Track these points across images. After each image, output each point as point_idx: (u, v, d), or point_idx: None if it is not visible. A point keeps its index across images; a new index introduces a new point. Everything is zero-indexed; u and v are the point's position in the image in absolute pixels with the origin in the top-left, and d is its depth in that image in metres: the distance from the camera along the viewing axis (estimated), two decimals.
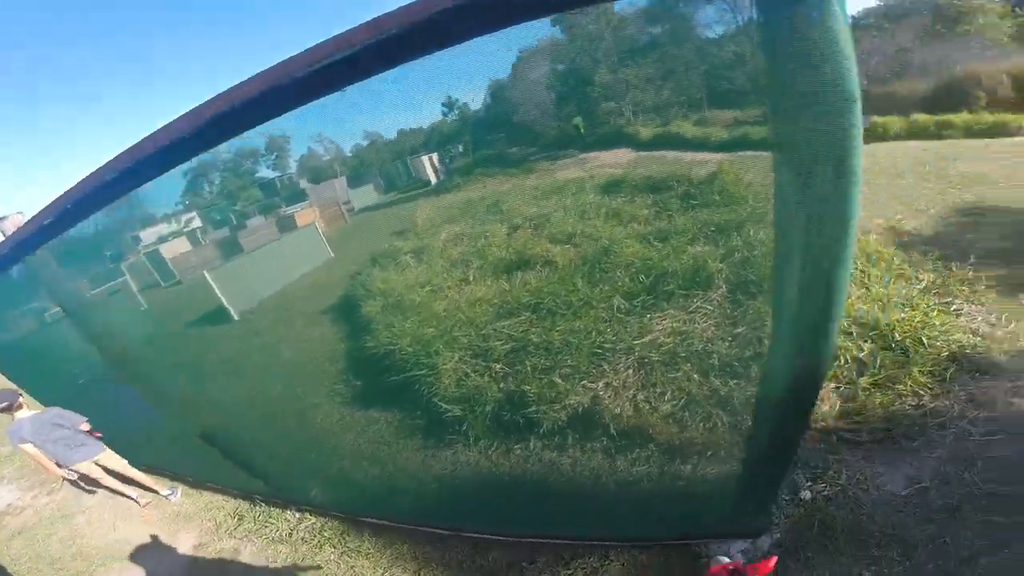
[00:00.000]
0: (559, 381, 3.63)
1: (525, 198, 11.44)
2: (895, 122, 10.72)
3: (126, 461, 4.11)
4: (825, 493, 2.58)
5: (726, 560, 1.01)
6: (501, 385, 3.57)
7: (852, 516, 2.42)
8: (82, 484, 4.25)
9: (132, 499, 4.21)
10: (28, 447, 3.56)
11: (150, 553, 3.66)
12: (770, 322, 1.48)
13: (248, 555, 3.39)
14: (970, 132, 9.90)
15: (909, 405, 2.84)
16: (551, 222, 8.23)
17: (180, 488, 4.32)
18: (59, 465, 3.74)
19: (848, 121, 0.98)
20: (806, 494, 2.61)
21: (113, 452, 3.99)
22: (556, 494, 2.85)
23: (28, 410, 3.76)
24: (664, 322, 4.55)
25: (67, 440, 3.72)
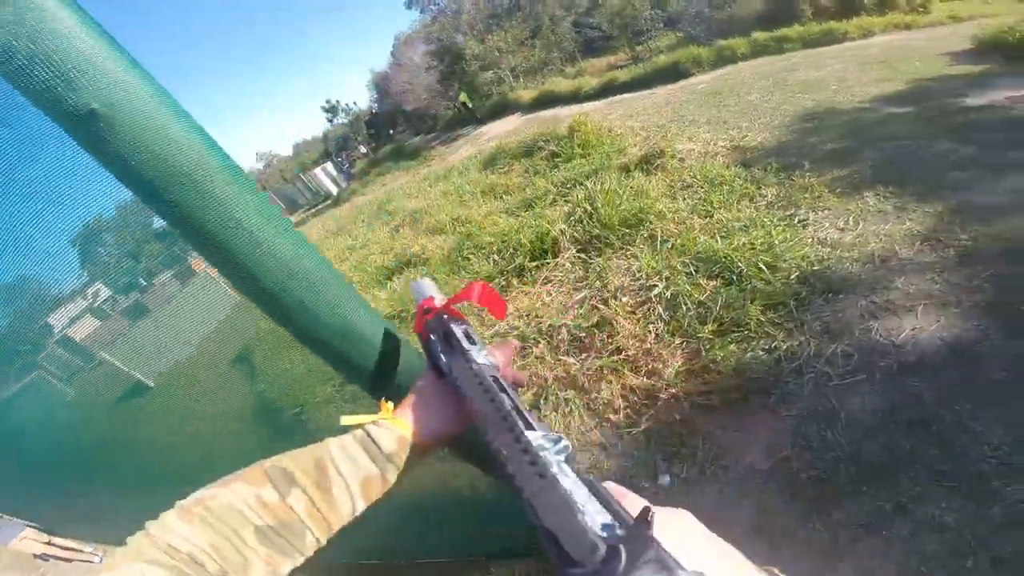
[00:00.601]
0: None
1: (413, 191, 10.54)
2: (740, 43, 10.76)
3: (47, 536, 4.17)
4: (683, 476, 2.03)
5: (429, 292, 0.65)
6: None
7: (713, 508, 1.85)
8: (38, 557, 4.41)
9: (84, 560, 4.33)
10: None
11: None
12: None
13: None
14: (806, 43, 10.14)
15: (761, 350, 2.27)
16: (431, 212, 7.47)
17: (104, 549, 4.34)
18: None
19: (113, 147, 0.50)
20: (665, 479, 2.08)
21: (33, 528, 4.09)
22: (436, 511, 2.52)
23: None
24: (516, 301, 3.91)
25: None
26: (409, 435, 0.57)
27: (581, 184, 5.08)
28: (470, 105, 17.96)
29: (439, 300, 0.65)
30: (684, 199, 3.94)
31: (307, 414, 3.62)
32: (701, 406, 2.23)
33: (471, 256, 4.72)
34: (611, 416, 2.45)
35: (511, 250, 4.35)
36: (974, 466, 1.54)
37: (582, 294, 3.30)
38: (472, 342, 0.56)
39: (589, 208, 4.13)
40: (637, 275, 3.09)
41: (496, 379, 0.47)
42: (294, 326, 0.68)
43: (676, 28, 13.71)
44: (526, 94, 16.16)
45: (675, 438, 2.17)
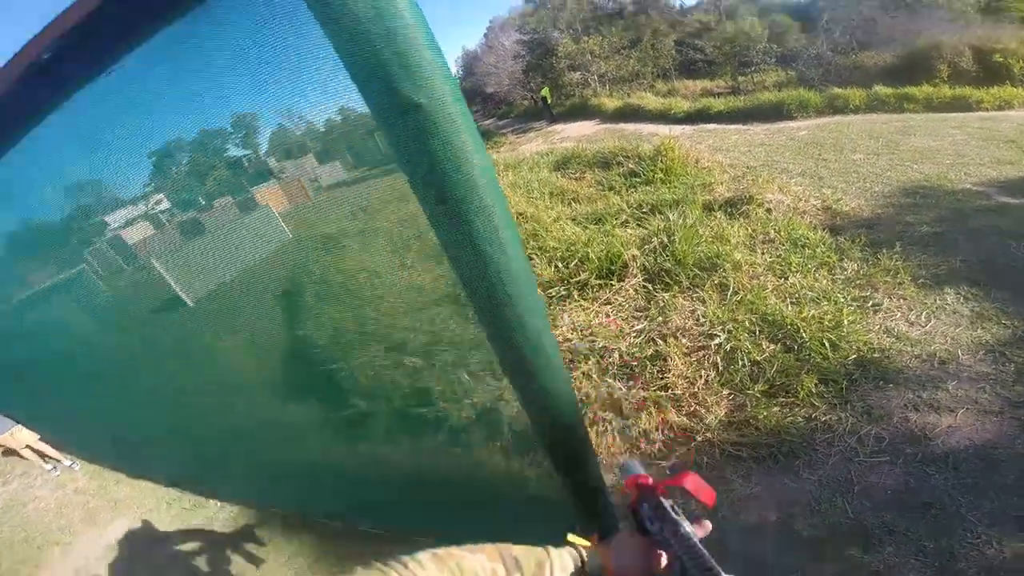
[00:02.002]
0: (466, 378, 3.54)
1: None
2: (856, 94, 10.62)
3: (36, 436, 4.77)
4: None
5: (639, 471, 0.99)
6: (411, 380, 3.61)
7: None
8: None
9: (47, 470, 5.08)
10: None
11: (88, 537, 4.18)
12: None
13: (172, 542, 3.74)
14: (930, 106, 9.88)
15: (801, 417, 2.62)
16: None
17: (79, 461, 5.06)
18: None
19: (422, 139, 0.70)
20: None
21: (23, 427, 4.62)
22: (451, 495, 2.78)
23: None
24: (573, 315, 4.29)
25: None
26: (609, 567, 0.83)
27: (660, 212, 5.40)
28: (549, 101, 18.44)
29: (649, 478, 0.93)
30: (763, 253, 4.24)
31: (345, 372, 4.05)
32: (731, 455, 2.60)
33: (534, 256, 5.10)
34: (643, 445, 2.84)
35: (577, 262, 4.73)
36: (952, 549, 1.90)
37: (642, 324, 3.69)
38: (677, 515, 0.83)
39: (666, 240, 4.47)
40: (700, 320, 3.45)
41: (700, 542, 0.74)
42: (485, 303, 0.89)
43: (789, 65, 13.63)
44: (609, 102, 16.41)
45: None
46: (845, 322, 3.15)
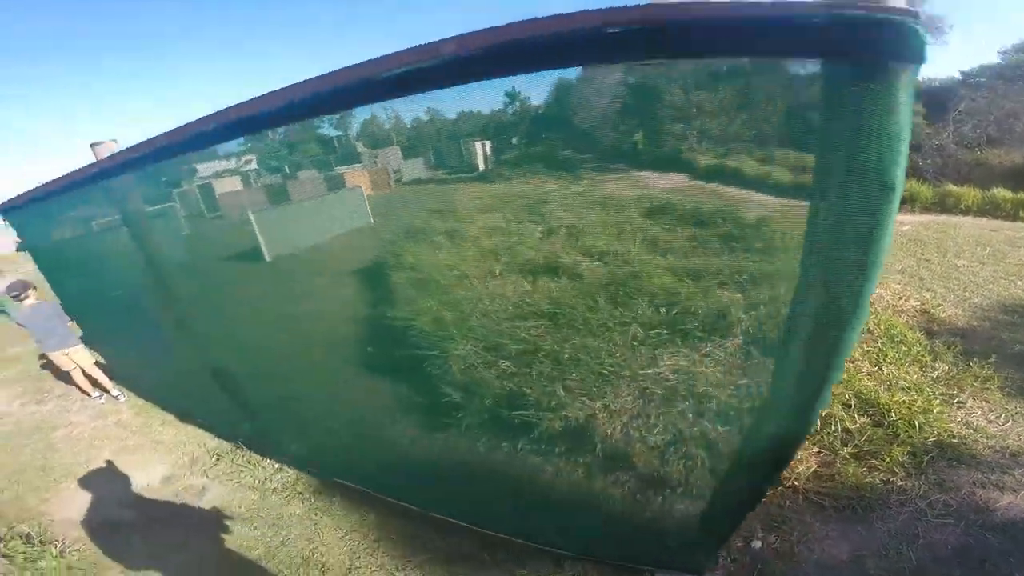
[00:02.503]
0: (561, 393, 3.80)
1: (567, 204, 11.77)
2: (971, 195, 10.64)
3: (94, 360, 4.92)
4: (775, 546, 2.99)
5: None
6: (505, 383, 3.69)
7: (790, 574, 2.83)
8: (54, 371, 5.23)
9: (92, 396, 5.03)
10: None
11: (115, 477, 3.86)
12: (771, 379, 1.73)
13: (214, 496, 3.60)
14: None
15: (880, 480, 3.27)
16: (587, 234, 8.57)
17: (127, 393, 5.06)
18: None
19: (879, 212, 1.02)
20: (757, 544, 2.97)
21: (84, 349, 4.86)
22: (530, 497, 3.11)
23: (34, 299, 4.72)
24: (674, 359, 4.95)
25: (50, 330, 4.61)
26: None
27: (769, 284, 5.96)
28: (640, 147, 19.05)
29: None
30: (862, 343, 4.84)
31: (441, 360, 3.74)
32: (813, 502, 3.26)
33: (635, 296, 5.76)
34: None
35: (678, 311, 5.41)
36: None
37: (742, 380, 4.40)
38: None
39: (774, 310, 5.12)
40: None
41: None
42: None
43: None
44: (701, 159, 16.94)
45: (780, 517, 3.18)
46: (934, 410, 3.76)
